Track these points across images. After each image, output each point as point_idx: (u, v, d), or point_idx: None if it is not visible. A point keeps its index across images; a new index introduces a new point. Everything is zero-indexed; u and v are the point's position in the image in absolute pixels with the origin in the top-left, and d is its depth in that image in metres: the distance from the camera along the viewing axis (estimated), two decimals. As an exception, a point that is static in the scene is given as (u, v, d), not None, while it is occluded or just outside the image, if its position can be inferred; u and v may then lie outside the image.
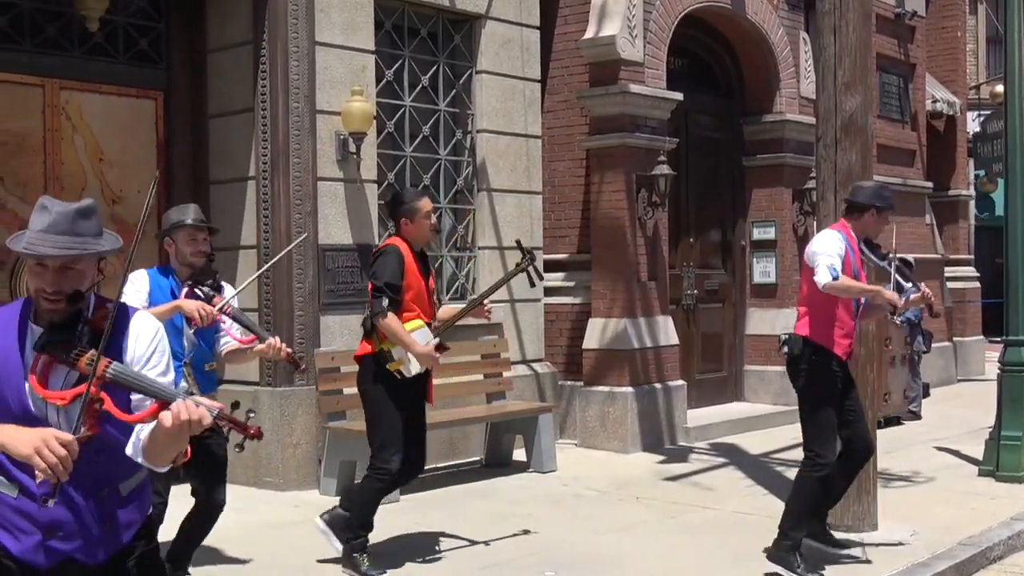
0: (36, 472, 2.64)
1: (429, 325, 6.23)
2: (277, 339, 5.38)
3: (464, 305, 6.86)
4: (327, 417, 8.10)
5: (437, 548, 6.62)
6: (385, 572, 6.10)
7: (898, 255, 6.33)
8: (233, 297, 5.48)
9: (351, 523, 6.21)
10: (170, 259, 5.51)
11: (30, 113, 7.90)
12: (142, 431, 2.80)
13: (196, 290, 5.44)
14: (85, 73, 8.17)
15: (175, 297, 5.31)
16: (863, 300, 6.26)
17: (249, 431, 2.81)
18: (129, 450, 2.83)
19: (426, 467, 9.11)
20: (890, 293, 6.10)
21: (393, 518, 6.73)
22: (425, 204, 6.38)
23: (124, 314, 2.93)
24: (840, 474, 6.39)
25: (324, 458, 8.16)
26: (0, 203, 7.69)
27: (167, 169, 8.67)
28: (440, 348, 6.19)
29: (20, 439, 2.64)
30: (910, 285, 6.41)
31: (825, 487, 6.24)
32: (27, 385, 2.78)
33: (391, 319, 6.06)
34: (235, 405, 3.18)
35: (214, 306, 5.31)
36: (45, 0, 7.94)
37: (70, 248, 2.78)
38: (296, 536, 6.88)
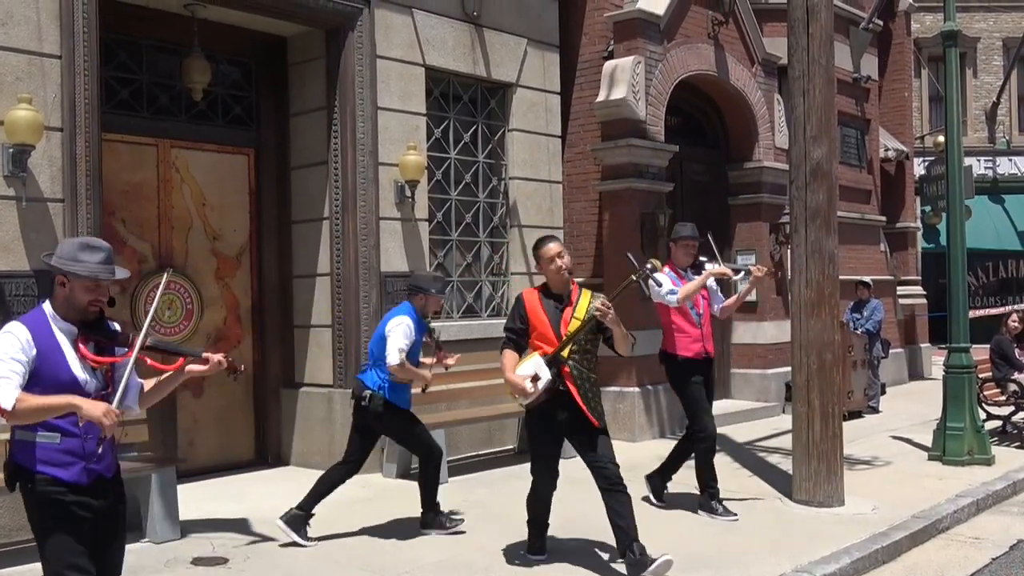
0: (82, 422, 3.22)
1: (555, 355, 5.50)
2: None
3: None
4: (388, 413, 8.11)
5: (481, 519, 6.65)
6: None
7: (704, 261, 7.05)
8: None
9: None
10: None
11: (146, 167, 8.01)
12: (145, 386, 3.62)
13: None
14: (191, 134, 8.27)
15: None
16: (700, 311, 6.89)
17: (234, 368, 3.69)
18: (129, 400, 3.51)
19: (469, 454, 9.14)
20: (697, 280, 6.83)
21: (445, 495, 6.73)
22: (546, 251, 5.41)
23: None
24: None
25: (386, 447, 8.18)
26: (121, 240, 7.76)
27: (258, 212, 8.78)
28: (535, 378, 5.42)
29: (93, 408, 3.18)
30: (741, 261, 7.47)
31: (712, 450, 6.93)
32: (68, 359, 3.32)
33: (504, 356, 5.57)
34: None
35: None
36: (159, 75, 8.07)
37: (122, 274, 3.46)
38: (367, 508, 6.96)
